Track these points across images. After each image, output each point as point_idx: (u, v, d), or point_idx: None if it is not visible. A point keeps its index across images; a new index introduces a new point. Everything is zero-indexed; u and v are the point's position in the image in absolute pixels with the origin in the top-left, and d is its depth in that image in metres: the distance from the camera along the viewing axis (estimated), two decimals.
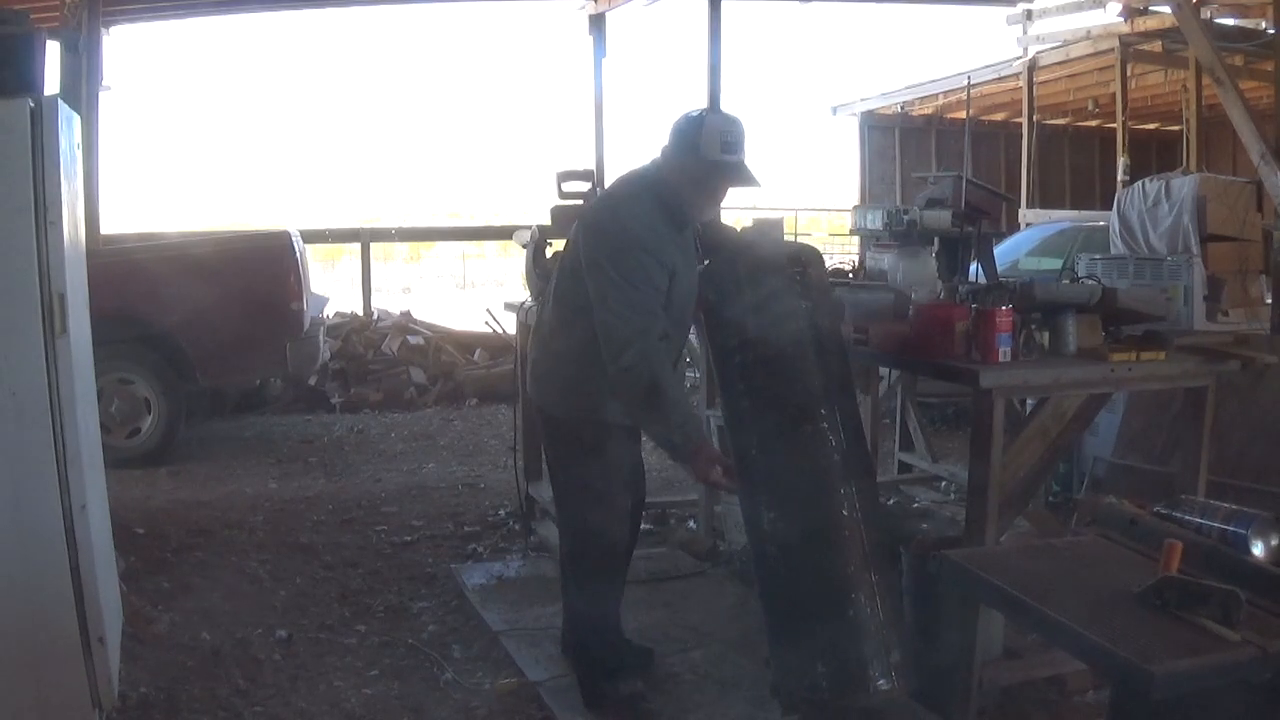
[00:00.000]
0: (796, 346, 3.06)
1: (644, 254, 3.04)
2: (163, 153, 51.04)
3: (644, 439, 3.42)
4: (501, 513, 5.50)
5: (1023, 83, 12.20)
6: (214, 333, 6.72)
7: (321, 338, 7.67)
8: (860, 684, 2.86)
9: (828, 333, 3.13)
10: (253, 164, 52.62)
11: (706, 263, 3.32)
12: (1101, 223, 8.00)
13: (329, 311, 9.28)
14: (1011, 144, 13.74)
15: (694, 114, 3.16)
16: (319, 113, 64.08)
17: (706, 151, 3.07)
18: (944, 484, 5.22)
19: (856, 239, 6.05)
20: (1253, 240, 6.68)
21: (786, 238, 4.48)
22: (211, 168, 51.83)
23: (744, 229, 3.55)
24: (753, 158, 3.17)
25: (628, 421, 3.23)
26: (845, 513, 2.98)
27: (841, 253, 13.39)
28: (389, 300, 12.09)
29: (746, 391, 3.09)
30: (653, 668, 3.51)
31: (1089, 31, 11.15)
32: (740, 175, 3.14)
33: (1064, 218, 9.77)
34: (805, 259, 3.18)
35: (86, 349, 3.45)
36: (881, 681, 2.85)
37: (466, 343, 9.59)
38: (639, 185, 3.21)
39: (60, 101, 3.04)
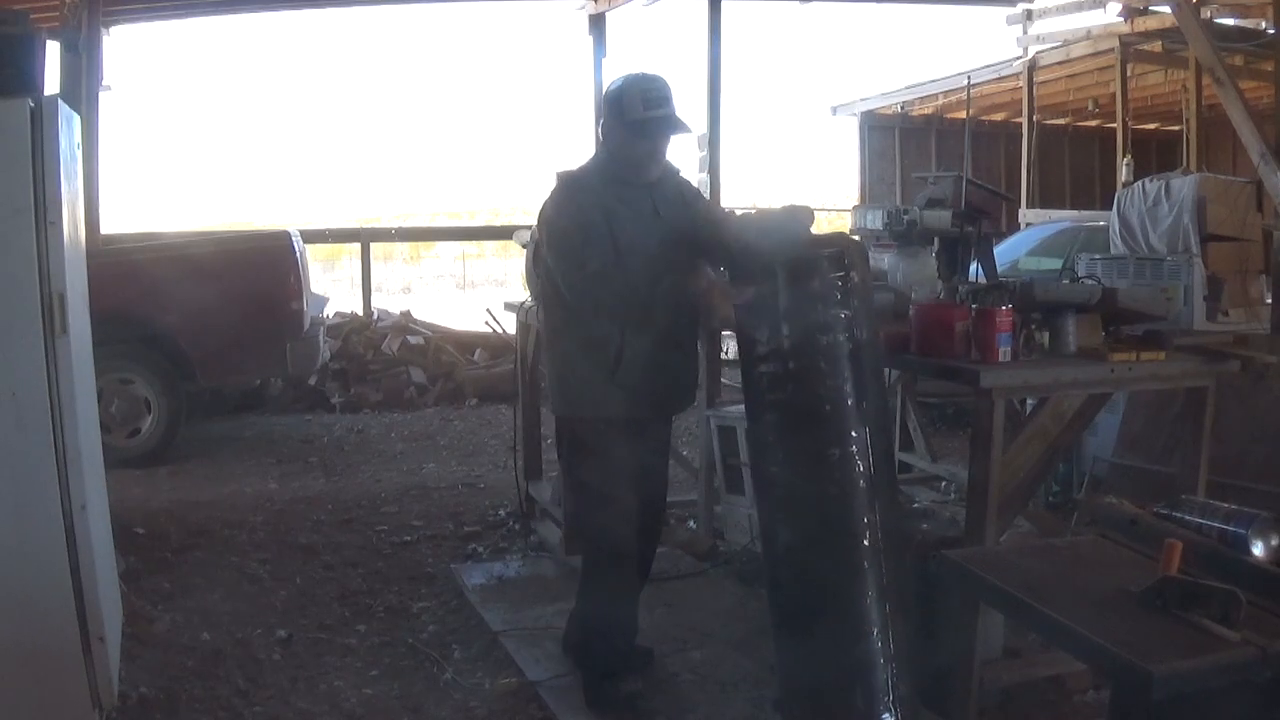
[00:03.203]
0: (832, 362, 2.86)
1: (569, 203, 3.22)
2: (163, 153, 50.93)
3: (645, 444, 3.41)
4: (501, 513, 5.50)
5: (1023, 83, 12.20)
6: (214, 333, 6.72)
7: (321, 338, 7.67)
8: (864, 717, 2.83)
9: (867, 345, 2.92)
10: (253, 164, 52.54)
11: (723, 269, 3.26)
12: (1101, 223, 7.99)
13: (329, 311, 9.28)
14: (1011, 144, 13.74)
15: (614, 82, 3.29)
16: (319, 113, 64.01)
17: (631, 113, 3.19)
18: (944, 484, 5.22)
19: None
20: (1253, 240, 6.66)
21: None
22: (212, 167, 51.74)
23: (770, 213, 3.33)
24: (682, 110, 3.26)
25: (610, 416, 3.24)
26: (866, 543, 2.85)
27: None
28: (389, 300, 12.08)
29: (773, 404, 2.96)
30: (653, 668, 3.51)
31: (1089, 31, 11.15)
32: (669, 126, 3.23)
33: (1064, 218, 9.76)
34: (850, 260, 2.92)
35: (86, 349, 3.45)
36: (886, 716, 2.81)
37: (466, 343, 9.59)
38: (584, 164, 3.39)
39: (60, 101, 3.04)
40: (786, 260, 2.92)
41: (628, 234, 3.17)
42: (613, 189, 3.23)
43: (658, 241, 3.22)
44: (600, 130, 3.36)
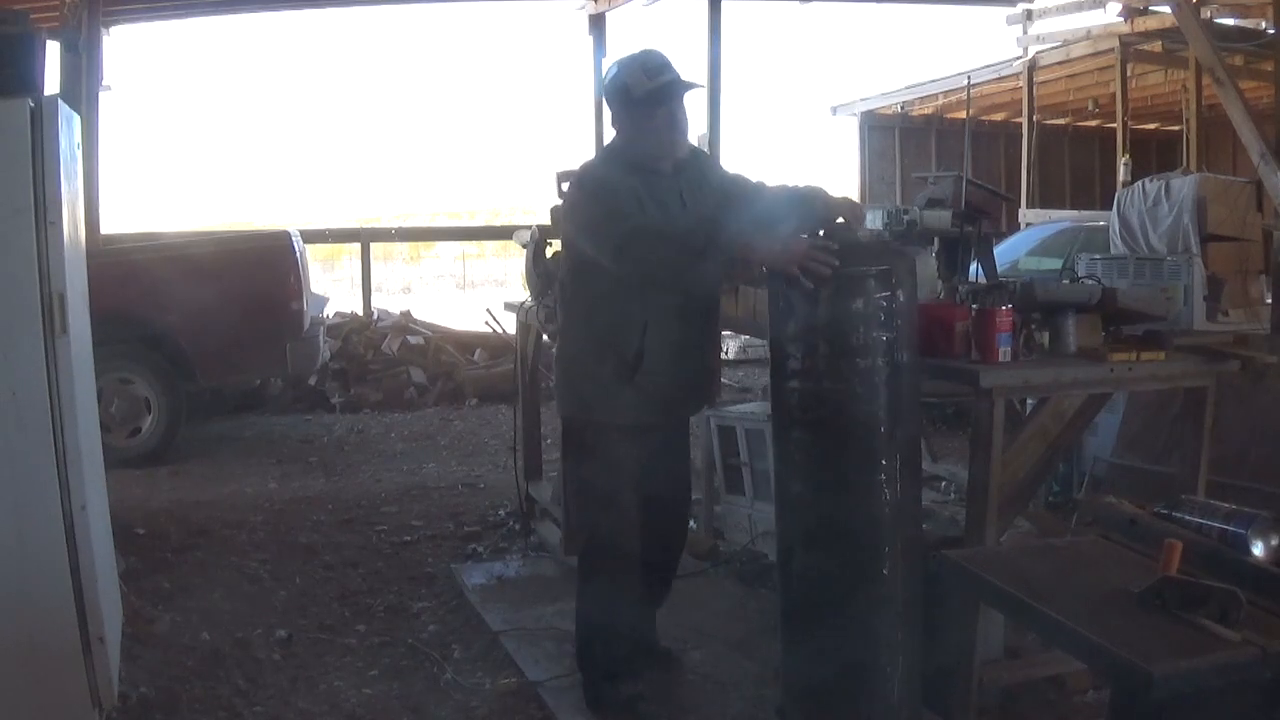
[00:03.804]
0: (869, 388, 2.72)
1: (605, 195, 3.11)
2: (163, 153, 50.94)
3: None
4: (501, 513, 5.50)
5: (1023, 83, 12.21)
6: (214, 333, 6.72)
7: (321, 338, 7.67)
8: None
9: (906, 368, 2.79)
10: (253, 164, 52.55)
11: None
12: (1101, 223, 7.99)
13: (329, 311, 9.30)
14: (1011, 144, 13.75)
15: (610, 70, 3.23)
16: (319, 113, 64.01)
17: (637, 89, 3.12)
18: (944, 484, 5.22)
19: None
20: (1253, 240, 6.67)
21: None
22: (211, 167, 51.76)
23: (823, 194, 3.16)
24: (685, 73, 3.19)
25: (624, 421, 3.20)
26: (885, 571, 2.79)
27: None
28: (389, 300, 12.09)
29: (802, 423, 2.83)
30: (655, 669, 3.47)
31: (1089, 31, 11.16)
32: (679, 87, 3.16)
33: (1064, 218, 9.76)
34: (897, 278, 2.77)
35: (86, 349, 3.45)
36: None
37: (466, 343, 9.59)
38: (595, 158, 3.34)
39: (60, 101, 3.04)
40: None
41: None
42: (635, 178, 3.13)
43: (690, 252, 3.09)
44: (612, 124, 3.26)
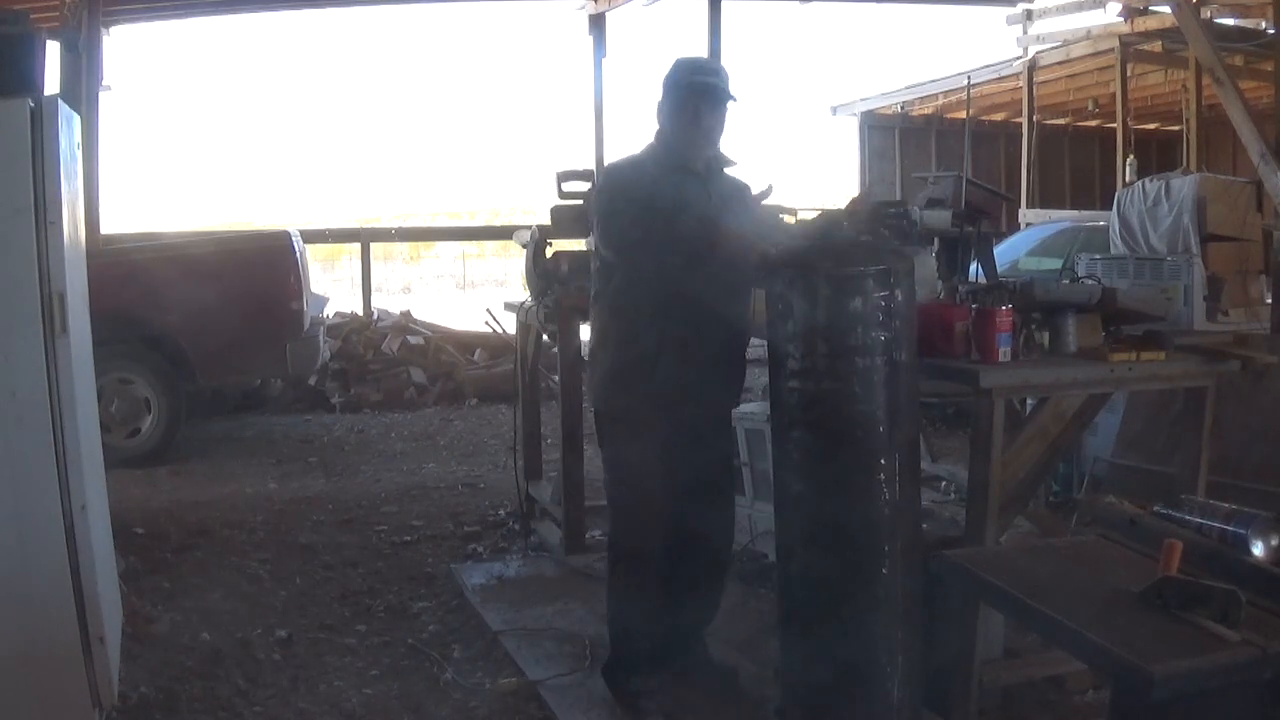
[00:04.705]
0: (868, 387, 2.74)
1: (619, 194, 3.20)
2: (163, 153, 51.06)
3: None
4: (501, 513, 5.50)
5: (1023, 83, 12.21)
6: (214, 333, 6.72)
7: (321, 338, 7.67)
8: None
9: (905, 367, 2.80)
10: (253, 164, 52.65)
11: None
12: (1101, 223, 8.00)
13: (329, 311, 9.29)
14: (1011, 144, 13.74)
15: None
16: (319, 113, 64.09)
17: (680, 79, 3.21)
18: (944, 484, 5.22)
19: None
20: (1253, 240, 6.67)
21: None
22: (211, 167, 51.87)
23: (808, 222, 3.30)
24: (734, 87, 3.25)
25: (638, 417, 3.21)
26: (885, 571, 2.78)
27: None
28: (389, 300, 12.10)
29: (801, 423, 2.83)
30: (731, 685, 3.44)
31: (1089, 31, 11.17)
32: (713, 91, 3.21)
33: (1064, 218, 9.76)
34: (895, 278, 2.77)
35: (86, 349, 3.44)
36: None
37: (466, 343, 9.59)
38: (628, 156, 3.37)
39: (60, 101, 3.03)
40: (827, 276, 2.76)
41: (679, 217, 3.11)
42: (670, 177, 3.16)
43: (711, 237, 3.12)
44: (656, 114, 3.29)
